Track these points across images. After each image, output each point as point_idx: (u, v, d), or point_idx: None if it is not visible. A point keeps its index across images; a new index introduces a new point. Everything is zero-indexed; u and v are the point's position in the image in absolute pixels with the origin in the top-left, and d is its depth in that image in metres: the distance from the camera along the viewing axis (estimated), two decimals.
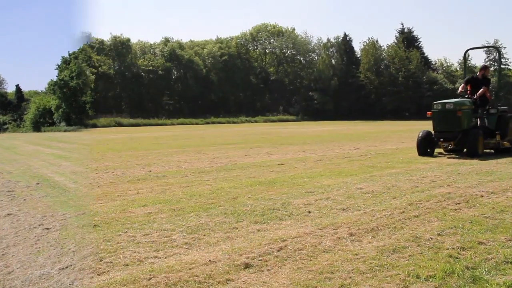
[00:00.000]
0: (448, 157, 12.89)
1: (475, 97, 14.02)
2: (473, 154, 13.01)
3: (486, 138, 13.75)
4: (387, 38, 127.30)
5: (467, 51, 16.29)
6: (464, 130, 13.41)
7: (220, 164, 12.44)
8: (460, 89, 14.46)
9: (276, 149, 17.09)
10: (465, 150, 13.52)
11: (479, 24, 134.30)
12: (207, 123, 60.02)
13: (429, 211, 6.35)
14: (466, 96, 14.19)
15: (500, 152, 13.73)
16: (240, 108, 73.48)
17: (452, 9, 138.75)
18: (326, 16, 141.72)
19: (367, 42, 73.10)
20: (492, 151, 13.94)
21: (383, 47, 73.00)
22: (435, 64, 72.79)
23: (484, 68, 14.88)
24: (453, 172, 9.98)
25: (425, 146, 13.77)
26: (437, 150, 14.20)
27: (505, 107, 15.03)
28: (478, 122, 14.01)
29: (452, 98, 14.83)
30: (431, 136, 13.81)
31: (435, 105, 13.84)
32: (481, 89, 14.08)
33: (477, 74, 14.75)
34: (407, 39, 69.89)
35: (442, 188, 8.04)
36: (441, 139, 13.72)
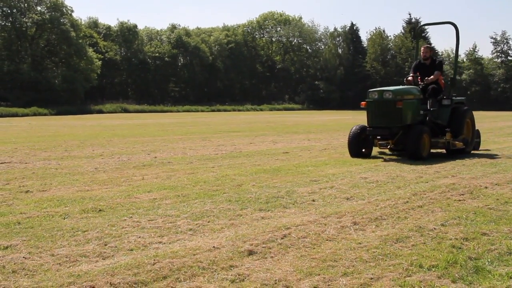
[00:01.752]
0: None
1: (423, 83, 11.69)
2: (414, 156, 10.51)
3: (436, 136, 11.35)
4: (394, 28, 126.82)
5: (419, 27, 13.83)
6: (406, 126, 10.87)
7: (225, 151, 12.47)
8: (409, 77, 11.87)
9: (281, 138, 17.11)
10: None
11: (486, 15, 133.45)
12: (213, 110, 59.98)
13: (433, 201, 6.36)
14: (418, 84, 11.75)
15: (451, 154, 11.44)
16: (246, 96, 73.36)
17: (459, 0, 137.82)
18: (333, 5, 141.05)
19: (374, 32, 72.80)
20: (444, 151, 11.77)
21: (390, 37, 72.68)
22: (441, 55, 72.32)
23: (427, 48, 12.21)
24: (457, 163, 9.98)
25: (359, 145, 11.17)
26: (378, 150, 11.99)
27: (462, 98, 12.61)
28: (428, 116, 11.53)
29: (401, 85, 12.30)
30: (366, 133, 11.24)
31: (370, 94, 11.19)
32: (433, 75, 11.66)
33: (421, 57, 12.18)
34: (414, 30, 69.48)
35: (446, 179, 8.05)
36: (378, 137, 11.09)
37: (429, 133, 10.93)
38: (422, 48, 12.19)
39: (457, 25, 12.58)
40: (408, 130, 10.79)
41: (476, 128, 12.63)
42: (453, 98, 12.01)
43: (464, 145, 11.52)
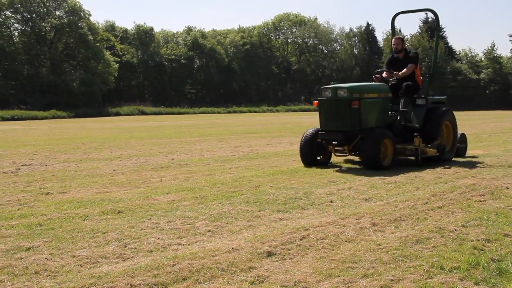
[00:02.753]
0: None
1: (392, 80, 10.24)
2: (372, 165, 9.06)
3: (404, 142, 9.77)
4: (410, 28, 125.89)
5: (395, 16, 11.82)
6: (368, 130, 9.39)
7: (242, 152, 12.48)
8: (384, 74, 10.55)
9: (298, 139, 16.96)
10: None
11: (505, 14, 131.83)
12: (229, 112, 60.04)
13: (453, 202, 6.29)
14: (393, 81, 10.23)
15: (422, 162, 9.75)
16: (262, 97, 73.41)
17: None
18: (348, 6, 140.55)
19: (390, 31, 72.32)
20: (414, 158, 9.78)
21: (406, 37, 72.14)
22: (459, 54, 71.75)
23: (399, 39, 10.56)
24: (477, 164, 9.86)
25: (312, 152, 9.76)
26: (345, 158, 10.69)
27: (442, 97, 11.07)
28: (398, 118, 9.96)
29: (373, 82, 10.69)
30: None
31: (323, 91, 9.67)
32: (405, 69, 10.12)
33: (393, 50, 10.70)
34: (431, 29, 68.86)
35: (466, 179, 7.96)
36: (333, 142, 9.54)
37: (393, 138, 9.41)
38: (393, 40, 10.67)
39: (437, 12, 11.02)
40: (367, 135, 9.29)
41: (462, 132, 11.44)
42: (430, 97, 10.50)
43: (439, 152, 9.93)
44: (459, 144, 11.06)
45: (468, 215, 5.61)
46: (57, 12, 57.21)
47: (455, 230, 4.97)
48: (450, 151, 10.60)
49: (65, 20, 55.75)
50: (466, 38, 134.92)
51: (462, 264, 3.96)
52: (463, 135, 11.36)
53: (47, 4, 56.47)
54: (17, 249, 4.46)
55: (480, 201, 6.32)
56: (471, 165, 9.72)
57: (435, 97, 10.77)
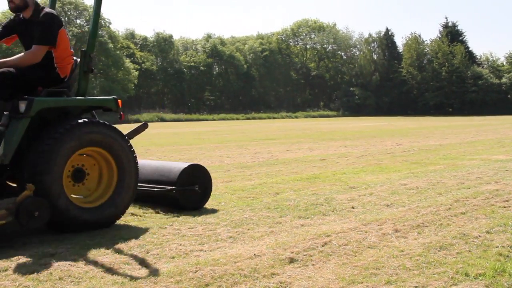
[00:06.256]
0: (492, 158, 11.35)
1: None
2: None
3: None
4: (430, 33, 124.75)
5: None
6: None
7: (262, 159, 12.47)
8: None
9: (317, 145, 17.03)
10: None
11: None
12: (248, 118, 60.09)
13: (477, 208, 6.21)
14: None
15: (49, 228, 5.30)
16: (281, 103, 73.34)
17: (497, 2, 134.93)
18: (367, 11, 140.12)
19: (410, 36, 71.87)
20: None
21: (426, 42, 71.62)
22: (480, 58, 70.85)
23: None
24: (500, 169, 9.71)
25: None
26: None
27: (105, 98, 6.19)
28: None
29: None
30: None
31: None
32: (16, 56, 5.54)
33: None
34: (451, 33, 68.27)
35: (489, 185, 7.85)
36: None
37: None
38: None
39: None
40: None
41: (193, 162, 7.13)
42: (62, 97, 5.55)
43: (18, 216, 4.68)
44: (188, 186, 6.37)
45: (492, 221, 5.53)
46: (78, 21, 58.09)
47: (479, 236, 4.90)
48: (115, 201, 5.57)
49: (86, 29, 56.50)
50: (487, 42, 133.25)
51: (487, 271, 3.90)
52: (194, 168, 6.69)
53: (68, 13, 57.36)
54: (42, 255, 4.51)
55: (504, 207, 6.23)
56: (494, 170, 9.50)
57: (85, 97, 5.77)
